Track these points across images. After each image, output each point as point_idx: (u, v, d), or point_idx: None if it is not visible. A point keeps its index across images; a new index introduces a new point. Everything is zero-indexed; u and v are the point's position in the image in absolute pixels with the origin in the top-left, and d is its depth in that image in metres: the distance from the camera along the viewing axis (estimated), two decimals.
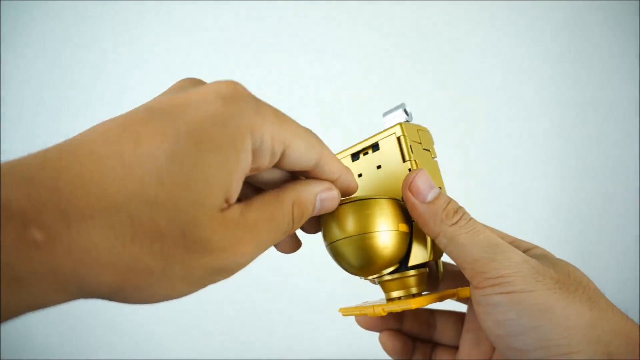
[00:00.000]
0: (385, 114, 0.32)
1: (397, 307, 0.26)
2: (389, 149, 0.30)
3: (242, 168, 0.18)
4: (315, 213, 0.24)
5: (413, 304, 0.26)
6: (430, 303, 0.28)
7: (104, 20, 0.78)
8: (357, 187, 0.26)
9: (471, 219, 0.26)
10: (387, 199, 0.27)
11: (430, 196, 0.26)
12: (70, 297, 0.16)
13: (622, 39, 0.75)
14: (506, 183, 0.76)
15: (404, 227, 0.27)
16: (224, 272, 0.19)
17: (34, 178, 0.14)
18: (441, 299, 0.29)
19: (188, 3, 0.78)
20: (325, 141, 0.24)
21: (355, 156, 0.32)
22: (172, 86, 0.21)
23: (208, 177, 0.17)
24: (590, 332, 0.22)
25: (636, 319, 0.25)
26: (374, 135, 0.31)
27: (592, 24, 0.76)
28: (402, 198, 0.27)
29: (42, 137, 0.79)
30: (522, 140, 0.77)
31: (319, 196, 0.23)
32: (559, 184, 0.76)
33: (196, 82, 0.21)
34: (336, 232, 0.26)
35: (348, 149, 0.32)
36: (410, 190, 0.26)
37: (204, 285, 0.19)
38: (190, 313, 0.79)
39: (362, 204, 0.26)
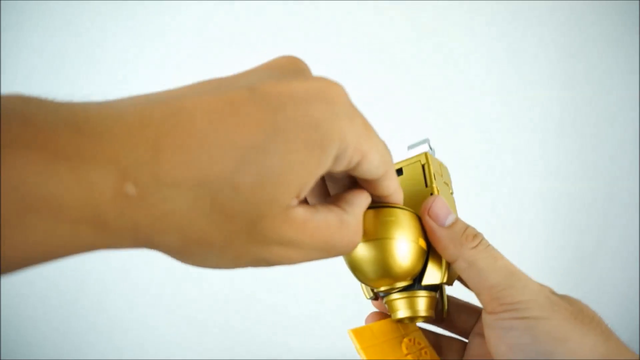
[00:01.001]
0: (410, 147, 0.33)
1: None
2: (413, 175, 0.31)
3: (320, 171, 0.19)
4: None
5: None
6: None
7: (104, 20, 0.78)
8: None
9: (489, 245, 0.27)
10: (412, 212, 0.28)
11: (448, 221, 0.27)
12: (135, 246, 0.17)
13: (622, 39, 0.75)
14: (504, 184, 0.76)
15: (423, 243, 0.28)
16: (266, 264, 0.20)
17: (137, 135, 0.16)
18: None
19: (190, 3, 0.78)
20: None
21: None
22: (273, 62, 0.21)
23: (289, 175, 0.18)
24: None
25: (636, 321, 0.25)
26: (398, 162, 0.32)
27: (592, 24, 0.76)
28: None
29: None
30: (522, 141, 0.77)
31: None
32: (558, 185, 0.76)
33: (297, 67, 0.21)
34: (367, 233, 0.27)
35: None
36: (429, 215, 0.27)
37: (244, 267, 0.20)
38: (190, 313, 0.79)
39: (387, 211, 0.27)
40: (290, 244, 0.19)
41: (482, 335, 0.31)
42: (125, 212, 0.15)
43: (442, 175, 0.32)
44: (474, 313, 0.34)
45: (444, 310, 0.31)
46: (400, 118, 0.78)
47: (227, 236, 0.18)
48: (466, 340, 0.34)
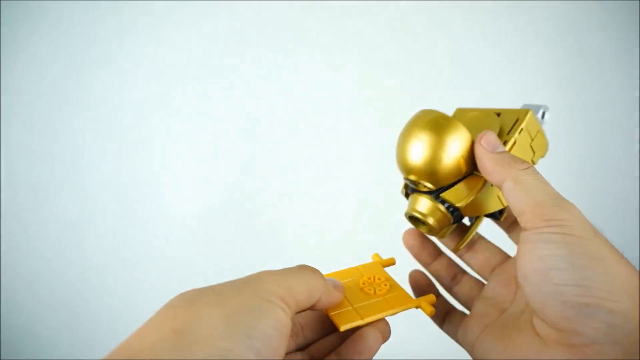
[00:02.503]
0: (524, 105, 0.34)
1: (350, 324, 0.27)
2: (505, 123, 0.32)
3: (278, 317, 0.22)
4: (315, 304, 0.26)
5: (365, 317, 0.28)
6: (382, 317, 0.28)
7: (104, 20, 0.78)
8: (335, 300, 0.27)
9: (539, 172, 0.27)
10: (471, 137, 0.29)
11: (499, 149, 0.28)
12: None
13: (622, 39, 0.75)
14: None
15: (462, 163, 0.29)
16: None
17: None
18: (398, 311, 0.29)
19: (189, 3, 0.78)
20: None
21: None
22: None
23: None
24: (633, 292, 0.22)
25: None
26: (506, 109, 0.33)
27: (592, 24, 0.76)
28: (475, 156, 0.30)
29: (43, 136, 0.78)
30: None
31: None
32: (557, 185, 0.76)
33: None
34: (422, 123, 0.29)
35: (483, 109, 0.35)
36: (482, 142, 0.28)
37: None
38: None
39: (450, 121, 0.29)
40: None
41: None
42: None
43: (533, 140, 0.32)
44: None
45: (463, 242, 0.33)
46: (398, 118, 0.78)
47: None
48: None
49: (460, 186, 0.30)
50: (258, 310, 0.21)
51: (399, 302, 0.29)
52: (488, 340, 0.28)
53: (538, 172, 0.27)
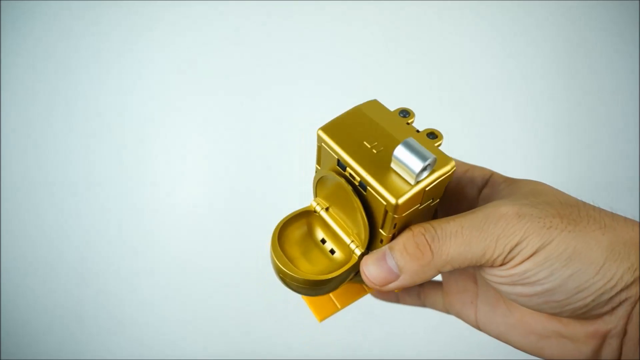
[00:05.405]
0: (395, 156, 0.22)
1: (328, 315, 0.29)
2: (375, 206, 0.23)
3: None
4: None
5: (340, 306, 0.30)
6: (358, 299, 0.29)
7: (104, 20, 0.78)
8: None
9: (435, 230, 0.23)
10: (335, 276, 0.26)
11: (395, 271, 0.24)
12: None
13: (622, 39, 0.75)
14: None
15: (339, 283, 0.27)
16: None
17: None
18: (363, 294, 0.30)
19: (189, 3, 0.78)
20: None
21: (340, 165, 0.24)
22: None
23: None
24: (612, 256, 0.22)
25: None
26: (370, 182, 0.23)
27: (592, 24, 0.76)
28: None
29: (43, 136, 0.78)
30: (522, 139, 0.77)
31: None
32: (557, 184, 0.76)
33: None
34: (285, 278, 0.28)
35: (344, 149, 0.24)
36: (379, 291, 0.25)
37: None
38: (190, 314, 0.79)
39: (314, 282, 0.26)
40: None
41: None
42: None
43: (422, 204, 0.23)
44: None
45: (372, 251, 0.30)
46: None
47: None
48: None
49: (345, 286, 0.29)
50: None
51: None
52: (492, 320, 0.28)
53: (436, 233, 0.23)
